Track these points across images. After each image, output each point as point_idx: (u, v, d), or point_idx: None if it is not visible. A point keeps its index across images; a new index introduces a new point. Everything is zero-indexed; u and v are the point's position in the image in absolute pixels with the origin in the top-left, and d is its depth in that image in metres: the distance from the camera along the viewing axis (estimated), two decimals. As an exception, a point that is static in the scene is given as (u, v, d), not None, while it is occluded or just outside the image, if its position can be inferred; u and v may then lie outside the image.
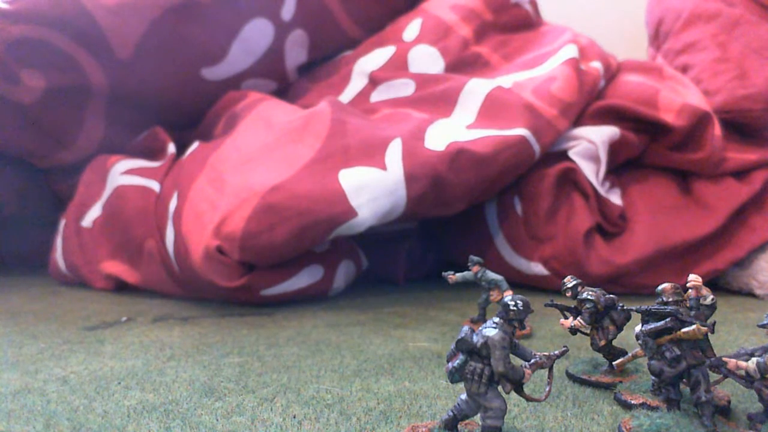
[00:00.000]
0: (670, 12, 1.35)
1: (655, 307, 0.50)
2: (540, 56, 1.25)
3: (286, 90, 1.43)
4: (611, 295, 0.60)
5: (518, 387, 0.45)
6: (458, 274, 0.82)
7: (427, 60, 1.27)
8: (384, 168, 0.97)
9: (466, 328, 0.45)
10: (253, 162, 1.02)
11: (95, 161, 1.28)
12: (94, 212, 1.21)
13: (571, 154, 1.11)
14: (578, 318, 0.60)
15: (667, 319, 0.48)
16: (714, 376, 0.52)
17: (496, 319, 0.45)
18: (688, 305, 0.51)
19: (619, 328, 0.61)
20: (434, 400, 0.56)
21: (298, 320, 0.91)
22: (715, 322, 0.49)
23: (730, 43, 1.22)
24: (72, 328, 0.87)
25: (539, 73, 1.19)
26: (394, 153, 0.99)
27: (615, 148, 1.14)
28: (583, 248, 1.05)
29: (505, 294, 0.80)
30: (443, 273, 0.83)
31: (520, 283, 1.11)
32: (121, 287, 1.16)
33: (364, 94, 1.27)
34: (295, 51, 1.39)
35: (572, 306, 0.62)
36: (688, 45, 1.28)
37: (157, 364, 0.69)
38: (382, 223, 0.98)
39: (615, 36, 1.51)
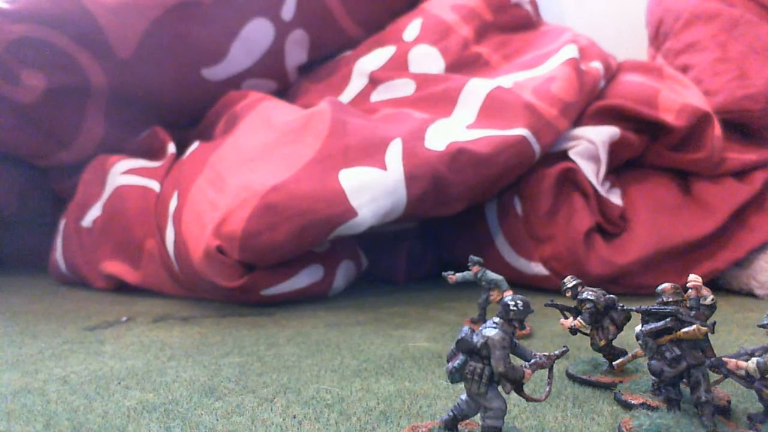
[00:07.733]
0: (670, 12, 1.35)
1: (655, 307, 0.50)
2: (540, 56, 1.25)
3: (286, 90, 1.43)
4: (611, 295, 0.60)
5: (518, 387, 0.44)
6: (458, 274, 0.82)
7: (427, 60, 1.27)
8: (384, 168, 0.97)
9: (466, 328, 0.45)
10: (254, 162, 1.02)
11: (95, 161, 1.28)
12: (94, 212, 1.21)
13: (571, 154, 1.11)
14: (578, 318, 0.60)
15: (667, 319, 0.48)
16: (714, 376, 0.52)
17: (496, 319, 0.45)
18: (688, 305, 0.51)
19: (619, 328, 0.61)
20: (434, 400, 0.56)
21: (298, 320, 0.91)
22: (715, 322, 0.49)
23: (730, 43, 1.22)
24: (72, 328, 0.87)
25: (539, 73, 1.19)
26: (394, 153, 0.99)
27: (615, 148, 1.14)
28: (583, 248, 1.05)
29: (505, 294, 0.80)
30: (443, 273, 0.83)
31: (520, 283, 1.11)
32: (121, 287, 1.16)
33: (364, 94, 1.27)
34: (295, 51, 1.39)
35: (572, 306, 0.62)
36: (688, 45, 1.28)
37: (157, 364, 0.69)
38: (383, 223, 0.98)
39: (615, 36, 1.51)
